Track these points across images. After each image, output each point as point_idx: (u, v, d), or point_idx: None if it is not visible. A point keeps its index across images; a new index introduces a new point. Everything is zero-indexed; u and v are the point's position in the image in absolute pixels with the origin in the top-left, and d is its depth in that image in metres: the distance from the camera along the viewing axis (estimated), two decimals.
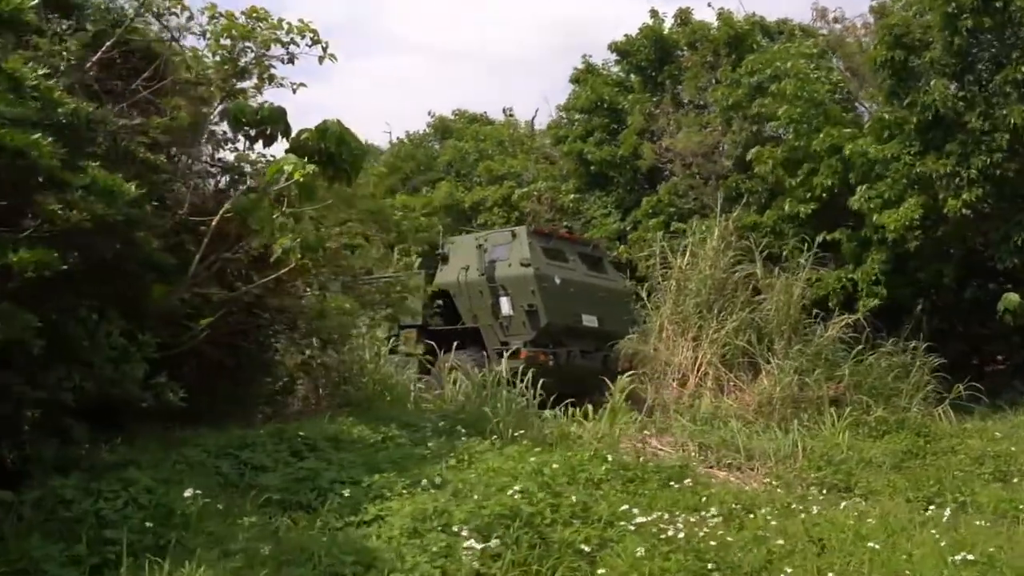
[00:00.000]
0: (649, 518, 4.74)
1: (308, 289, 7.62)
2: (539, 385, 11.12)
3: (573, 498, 4.87)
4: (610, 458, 6.39)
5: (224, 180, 6.99)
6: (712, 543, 4.45)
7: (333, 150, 6.60)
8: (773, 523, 5.50)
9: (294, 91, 7.70)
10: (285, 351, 8.05)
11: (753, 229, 13.15)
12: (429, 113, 23.89)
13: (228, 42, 6.70)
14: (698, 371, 11.99)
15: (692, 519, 5.17)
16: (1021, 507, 6.67)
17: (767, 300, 12.13)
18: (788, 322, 11.95)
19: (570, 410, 9.48)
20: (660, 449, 9.45)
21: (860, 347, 11.54)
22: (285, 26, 6.66)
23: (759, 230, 13.10)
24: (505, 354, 11.03)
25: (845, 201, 11.83)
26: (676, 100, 15.98)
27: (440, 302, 11.39)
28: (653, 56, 16.68)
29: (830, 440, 9.59)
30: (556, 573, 3.97)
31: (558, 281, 11.19)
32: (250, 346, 7.31)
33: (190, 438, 5.28)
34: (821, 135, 12.04)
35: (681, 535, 4.48)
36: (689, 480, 6.63)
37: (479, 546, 3.65)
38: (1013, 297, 10.33)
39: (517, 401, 8.10)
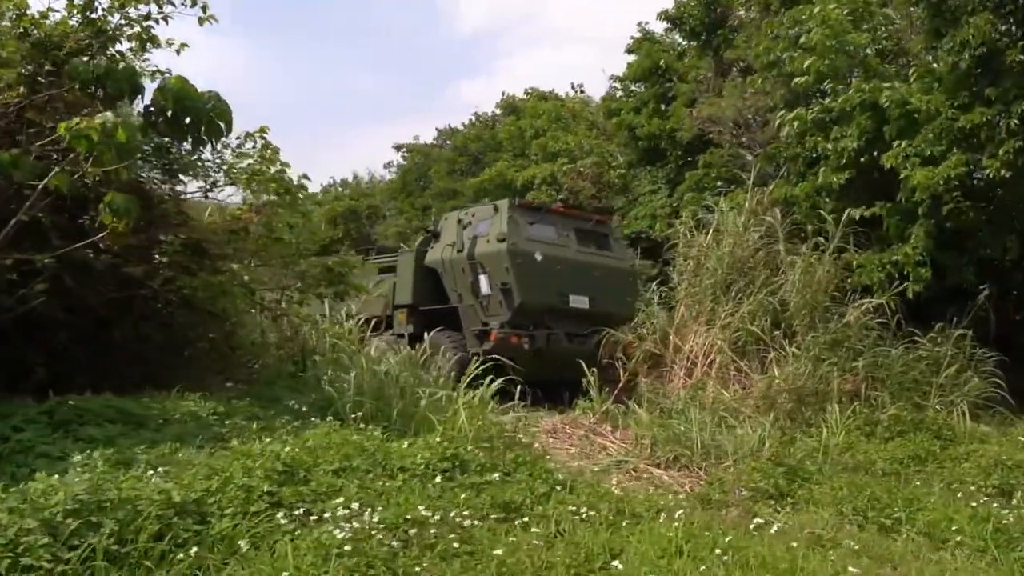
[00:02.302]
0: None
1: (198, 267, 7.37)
2: (514, 369, 10.55)
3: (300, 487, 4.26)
4: (449, 450, 5.64)
5: None
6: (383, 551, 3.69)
7: (172, 108, 6.33)
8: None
9: (177, 52, 7.51)
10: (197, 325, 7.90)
11: (786, 203, 11.67)
12: (502, 94, 23.41)
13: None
14: (707, 359, 10.86)
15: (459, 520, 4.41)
16: (955, 529, 5.34)
17: (786, 282, 10.72)
18: (808, 307, 10.51)
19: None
20: (612, 443, 8.56)
21: (877, 336, 9.97)
22: None
23: (792, 204, 11.59)
24: (486, 335, 10.48)
25: (885, 170, 10.14)
26: (722, 65, 14.46)
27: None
28: (706, 19, 15.21)
29: (828, 440, 8.35)
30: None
31: (539, 258, 10.34)
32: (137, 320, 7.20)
33: None
34: (852, 90, 10.40)
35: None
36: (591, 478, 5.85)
37: (43, 540, 3.13)
38: None
39: (426, 386, 7.43)
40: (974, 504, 5.99)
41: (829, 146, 10.79)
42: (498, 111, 23.05)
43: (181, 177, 7.80)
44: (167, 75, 7.69)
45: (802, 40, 11.01)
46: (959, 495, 6.55)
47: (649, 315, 11.27)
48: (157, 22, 7.03)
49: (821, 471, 7.19)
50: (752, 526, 5.66)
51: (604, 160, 16.28)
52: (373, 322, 11.43)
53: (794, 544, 4.77)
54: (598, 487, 5.84)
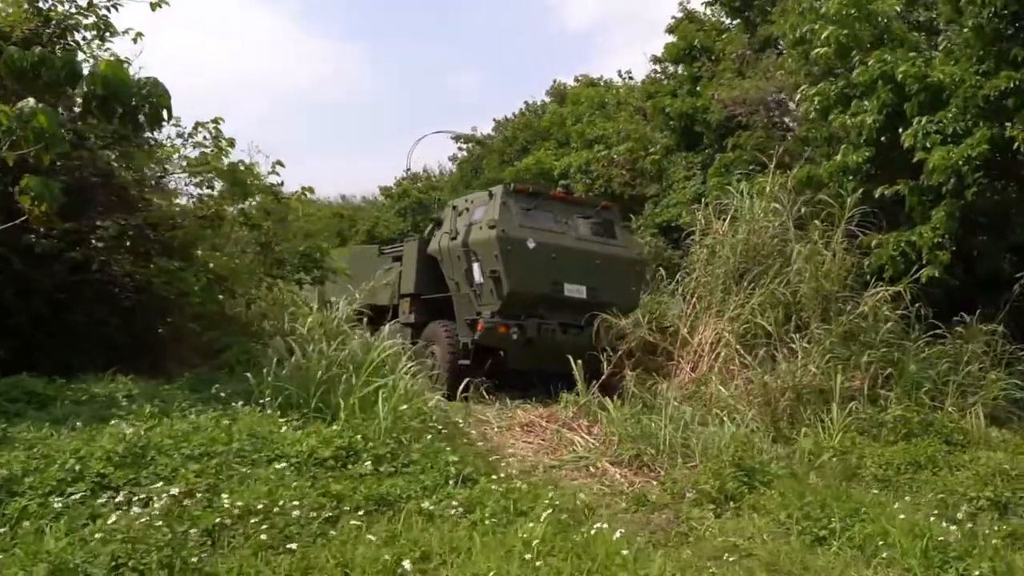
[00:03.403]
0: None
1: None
2: (505, 359, 10.21)
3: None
4: (342, 439, 5.42)
5: None
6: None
7: (103, 94, 6.34)
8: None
9: (134, 41, 7.57)
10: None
11: (811, 186, 10.88)
12: (554, 81, 22.95)
13: None
14: (714, 353, 10.24)
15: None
16: (889, 544, 4.74)
17: (795, 270, 9.96)
18: (819, 297, 9.73)
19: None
20: (583, 438, 8.13)
21: (898, 329, 9.11)
22: None
23: (820, 186, 10.78)
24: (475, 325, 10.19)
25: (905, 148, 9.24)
26: (756, 43, 13.58)
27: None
28: None
29: (825, 442, 7.73)
30: None
31: (532, 245, 9.94)
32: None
33: None
34: (871, 60, 9.51)
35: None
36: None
37: None
38: None
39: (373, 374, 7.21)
40: (918, 517, 5.33)
41: (849, 122, 9.94)
42: (547, 99, 22.71)
43: (144, 166, 7.86)
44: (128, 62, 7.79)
45: (822, 9, 10.19)
46: (933, 509, 5.89)
47: (651, 305, 10.74)
48: (109, 10, 7.09)
49: (795, 475, 6.61)
50: (665, 532, 5.30)
51: (641, 146, 15.63)
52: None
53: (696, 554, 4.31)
54: (508, 483, 5.48)
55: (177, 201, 8.19)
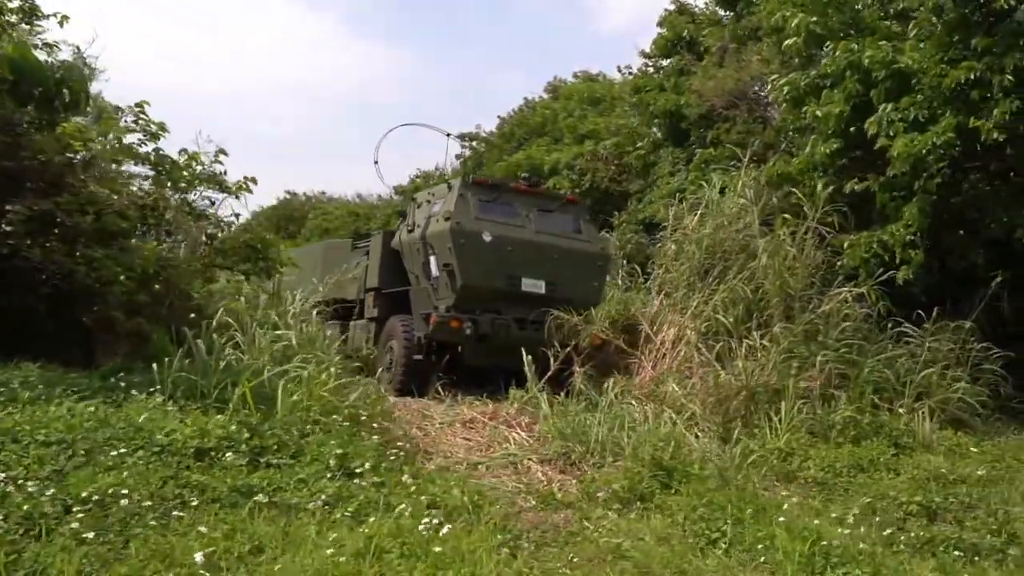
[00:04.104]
0: None
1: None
2: (460, 355, 9.99)
3: None
4: (223, 429, 5.25)
5: None
6: None
7: (12, 77, 6.27)
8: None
9: (61, 24, 7.49)
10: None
11: (785, 180, 10.52)
12: (555, 77, 22.66)
13: None
14: (676, 350, 9.94)
15: None
16: (769, 548, 4.46)
17: (760, 267, 9.61)
18: (783, 295, 9.38)
19: None
20: (517, 435, 7.89)
21: (863, 329, 8.73)
22: None
23: (786, 180, 10.42)
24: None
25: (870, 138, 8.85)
26: (741, 34, 13.17)
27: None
28: None
29: (771, 443, 7.43)
30: None
31: (488, 238, 9.70)
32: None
33: None
34: (839, 49, 9.13)
35: None
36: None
37: None
38: None
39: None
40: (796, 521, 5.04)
41: (819, 114, 9.57)
42: (545, 95, 22.43)
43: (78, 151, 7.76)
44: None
45: None
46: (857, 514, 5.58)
47: (615, 302, 10.45)
48: None
49: (721, 476, 6.30)
50: (556, 532, 5.06)
51: (629, 141, 15.30)
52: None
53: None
54: (395, 478, 5.26)
55: (114, 188, 8.05)
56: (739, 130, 12.46)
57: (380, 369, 10.64)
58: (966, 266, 9.14)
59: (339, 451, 5.32)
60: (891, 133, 8.40)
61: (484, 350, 9.74)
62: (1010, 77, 7.25)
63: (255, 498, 4.53)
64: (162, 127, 7.85)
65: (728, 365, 8.87)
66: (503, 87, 75.79)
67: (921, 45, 8.58)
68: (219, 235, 8.78)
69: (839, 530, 4.71)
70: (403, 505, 4.66)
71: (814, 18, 9.42)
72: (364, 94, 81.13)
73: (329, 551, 3.80)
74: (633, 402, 9.10)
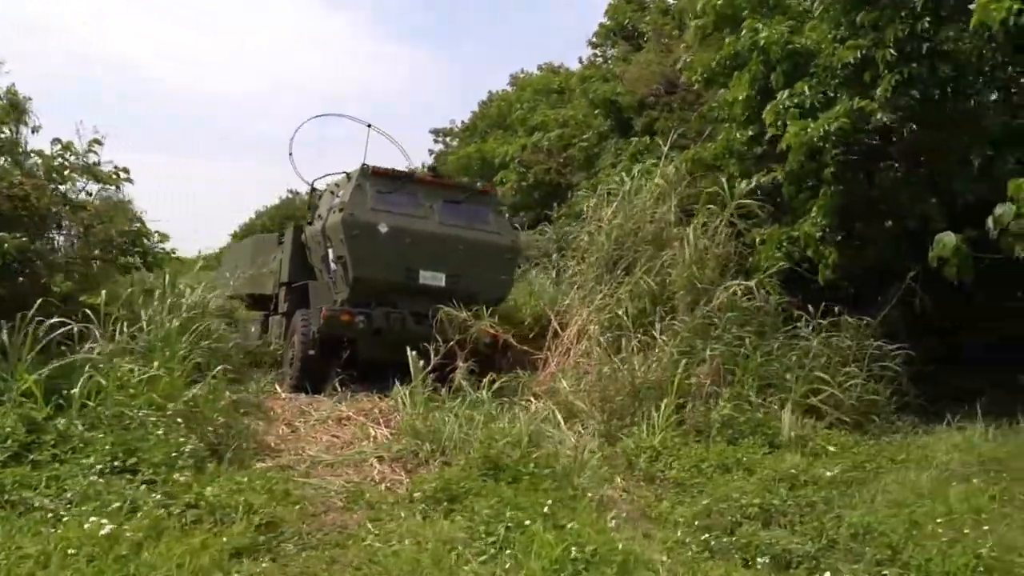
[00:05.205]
0: None
1: None
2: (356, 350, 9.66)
3: None
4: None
5: None
6: None
7: None
8: None
9: None
10: None
11: (697, 167, 10.13)
12: (522, 70, 22.27)
13: None
14: (579, 345, 9.60)
15: None
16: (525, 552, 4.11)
17: (668, 259, 9.24)
18: (689, 288, 9.00)
19: None
20: (381, 432, 7.58)
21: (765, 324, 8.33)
22: None
23: (704, 168, 10.03)
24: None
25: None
26: (678, 20, 12.75)
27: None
28: None
29: (642, 441, 7.09)
30: None
31: (383, 230, 9.37)
32: None
33: None
34: (743, 30, 8.72)
35: None
36: None
37: None
38: (948, 239, 6.46)
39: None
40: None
41: (728, 99, 9.18)
42: (509, 88, 22.07)
43: None
44: None
45: None
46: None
47: (525, 295, 10.13)
48: None
49: (554, 475, 5.96)
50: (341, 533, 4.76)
51: (575, 133, 14.91)
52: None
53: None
54: (171, 477, 4.96)
55: None
56: (678, 118, 12.05)
57: (285, 365, 10.42)
58: (883, 258, 8.70)
59: (120, 449, 5.03)
60: (786, 122, 7.98)
61: (379, 345, 9.41)
62: (892, 51, 6.80)
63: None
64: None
65: (626, 361, 8.54)
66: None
67: (824, 26, 8.15)
68: (96, 227, 8.50)
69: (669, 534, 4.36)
70: (149, 505, 4.37)
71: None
72: (366, 93, 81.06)
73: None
74: (533, 399, 8.90)
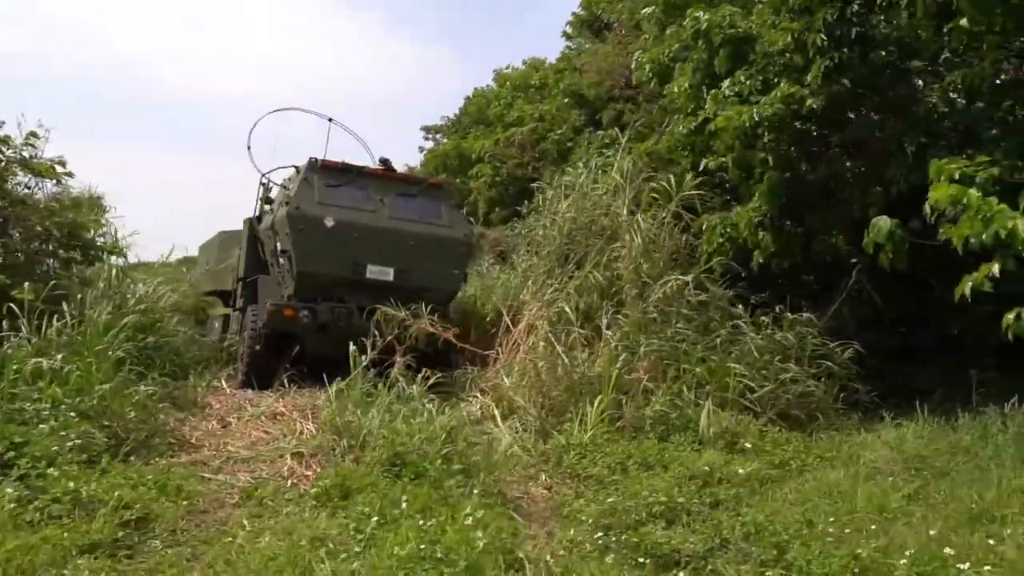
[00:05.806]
0: None
1: None
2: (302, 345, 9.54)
3: None
4: None
5: None
6: None
7: None
8: None
9: None
10: None
11: (649, 159, 9.94)
12: (508, 65, 22.09)
13: None
14: (527, 341, 9.44)
15: None
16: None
17: (616, 252, 9.06)
18: (638, 281, 8.81)
19: None
20: (308, 427, 7.46)
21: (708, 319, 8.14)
22: None
23: (656, 159, 9.84)
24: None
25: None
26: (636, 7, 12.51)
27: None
28: None
29: (572, 438, 6.94)
30: None
31: (329, 224, 9.24)
32: None
33: None
34: (687, 18, 8.52)
35: None
36: None
37: None
38: (882, 224, 6.23)
39: None
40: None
41: (676, 89, 8.99)
42: (493, 84, 21.87)
43: None
44: None
45: None
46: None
47: (479, 289, 9.98)
48: None
49: (465, 472, 5.82)
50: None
51: (551, 127, 14.73)
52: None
53: None
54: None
55: None
56: (643, 110, 11.85)
57: (238, 361, 10.32)
58: (828, 249, 8.48)
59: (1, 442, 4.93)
60: (724, 109, 7.79)
61: (325, 340, 9.27)
62: (822, 36, 6.59)
63: None
64: None
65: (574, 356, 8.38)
66: None
67: (766, 10, 7.95)
68: (32, 220, 8.45)
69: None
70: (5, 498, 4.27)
71: None
72: (372, 92, 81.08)
73: None
74: (480, 395, 8.77)
